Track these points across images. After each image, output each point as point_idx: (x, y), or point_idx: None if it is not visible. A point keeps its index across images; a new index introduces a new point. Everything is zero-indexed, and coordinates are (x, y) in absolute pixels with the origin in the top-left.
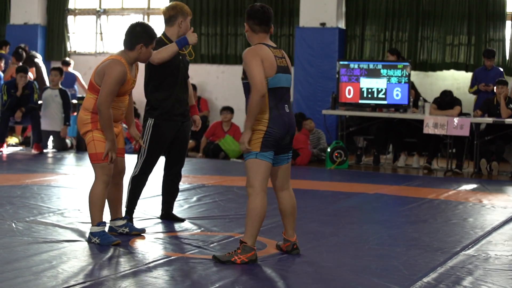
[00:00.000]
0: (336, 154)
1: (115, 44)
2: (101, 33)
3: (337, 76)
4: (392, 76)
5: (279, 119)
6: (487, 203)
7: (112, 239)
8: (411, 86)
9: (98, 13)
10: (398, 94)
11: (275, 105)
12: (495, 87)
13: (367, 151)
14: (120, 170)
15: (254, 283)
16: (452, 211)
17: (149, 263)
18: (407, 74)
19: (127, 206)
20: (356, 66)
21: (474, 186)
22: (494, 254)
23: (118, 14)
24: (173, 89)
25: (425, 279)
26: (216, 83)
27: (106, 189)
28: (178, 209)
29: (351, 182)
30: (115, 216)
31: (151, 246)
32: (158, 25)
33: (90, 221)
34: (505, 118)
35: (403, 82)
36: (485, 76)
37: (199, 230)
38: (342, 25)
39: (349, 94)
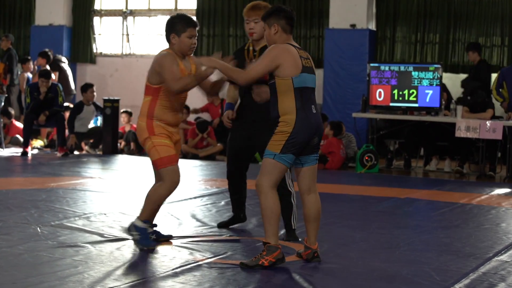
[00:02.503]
0: (367, 158)
1: (141, 45)
2: (127, 34)
3: (367, 78)
4: (423, 78)
5: (305, 121)
6: None
7: (151, 244)
8: (443, 88)
9: (124, 14)
10: (429, 97)
11: (302, 106)
12: None
13: (398, 154)
14: None
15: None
16: (485, 216)
17: (176, 268)
18: (438, 76)
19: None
20: (387, 68)
21: (507, 190)
22: None
23: (145, 15)
24: (243, 94)
25: (457, 285)
26: None
27: (169, 194)
28: (206, 213)
29: (382, 186)
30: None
31: (177, 251)
32: None
33: (118, 219)
34: None
35: (434, 85)
36: None
37: (227, 235)
38: (372, 26)
39: (379, 96)
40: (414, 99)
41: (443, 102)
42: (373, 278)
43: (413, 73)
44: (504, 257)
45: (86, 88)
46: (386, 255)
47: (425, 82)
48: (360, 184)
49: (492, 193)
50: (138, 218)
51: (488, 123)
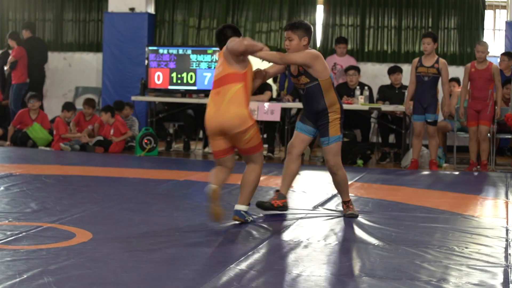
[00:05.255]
0: (146, 141)
1: None
2: None
3: (146, 61)
4: (201, 61)
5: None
6: (298, 189)
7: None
8: None
9: None
10: (208, 80)
11: (338, 95)
12: None
13: (178, 137)
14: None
15: (62, 271)
16: (263, 196)
17: None
18: (217, 59)
19: None
20: (165, 52)
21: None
22: (306, 239)
23: None
24: None
25: (238, 266)
26: None
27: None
28: None
29: (161, 169)
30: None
31: None
32: None
33: None
34: None
35: (212, 68)
36: None
37: (6, 221)
38: (151, 10)
39: (158, 80)
40: (193, 82)
41: None
42: (153, 261)
43: (191, 56)
44: (283, 236)
45: None
46: (167, 237)
47: (203, 65)
48: (139, 167)
49: (271, 174)
50: (240, 203)
51: (266, 105)
